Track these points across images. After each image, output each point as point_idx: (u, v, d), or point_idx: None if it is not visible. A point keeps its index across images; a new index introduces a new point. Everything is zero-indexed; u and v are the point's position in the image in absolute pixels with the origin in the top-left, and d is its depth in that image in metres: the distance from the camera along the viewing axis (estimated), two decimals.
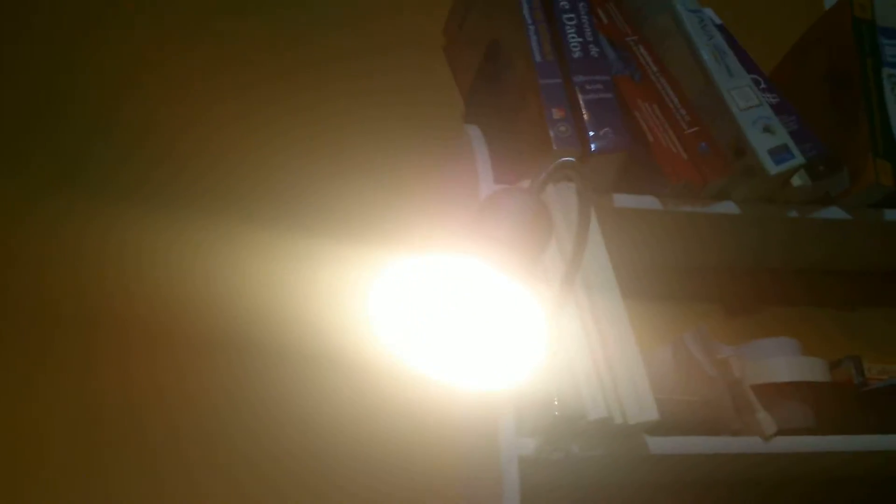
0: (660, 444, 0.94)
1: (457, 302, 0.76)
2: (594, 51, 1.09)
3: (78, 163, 1.18)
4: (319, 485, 1.08)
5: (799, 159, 1.05)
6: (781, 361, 1.03)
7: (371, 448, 1.10)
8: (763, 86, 1.12)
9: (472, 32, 1.24)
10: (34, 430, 1.05)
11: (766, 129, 1.07)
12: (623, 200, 1.08)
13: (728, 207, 1.10)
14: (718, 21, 1.18)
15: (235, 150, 1.22)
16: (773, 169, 1.05)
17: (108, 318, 1.11)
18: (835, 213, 1.12)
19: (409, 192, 1.22)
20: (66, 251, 1.13)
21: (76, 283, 1.12)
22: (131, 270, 1.14)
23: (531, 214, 0.76)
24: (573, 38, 1.08)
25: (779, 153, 1.06)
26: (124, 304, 1.12)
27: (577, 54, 1.08)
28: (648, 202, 1.09)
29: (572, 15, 1.10)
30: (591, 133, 1.04)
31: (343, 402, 1.10)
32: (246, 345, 1.11)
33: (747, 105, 1.08)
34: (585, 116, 1.05)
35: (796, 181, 1.09)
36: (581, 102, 1.06)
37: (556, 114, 1.05)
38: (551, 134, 1.04)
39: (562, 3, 1.10)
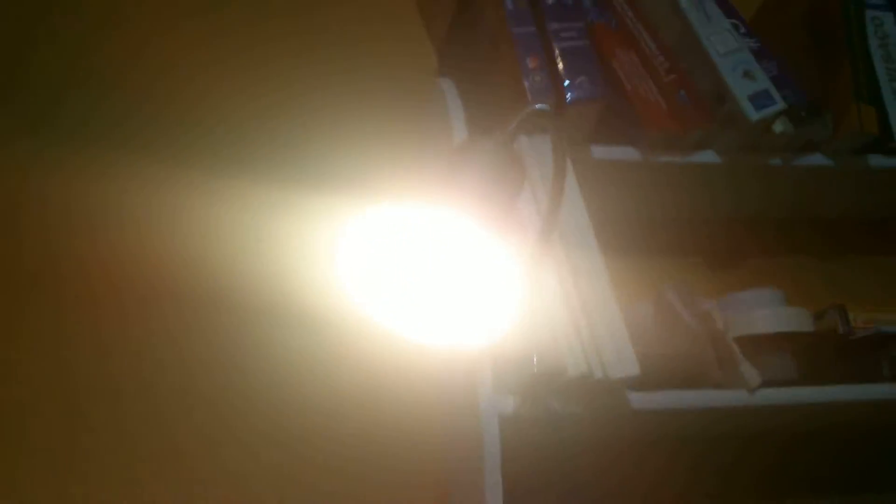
0: (642, 400, 0.92)
1: (430, 255, 0.73)
2: None
3: (50, 109, 1.15)
4: (292, 444, 1.05)
5: (780, 105, 1.03)
6: (764, 313, 1.01)
7: (344, 408, 1.07)
8: (742, 31, 1.09)
9: None
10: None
11: (747, 75, 1.04)
12: (601, 152, 1.05)
13: (708, 157, 1.07)
14: None
15: (208, 99, 1.18)
16: (753, 115, 1.02)
17: (76, 269, 1.08)
18: (818, 160, 1.10)
19: (382, 145, 1.18)
20: (33, 199, 1.10)
21: (43, 235, 1.09)
22: (99, 220, 1.10)
23: (500, 163, 0.72)
24: None
25: (759, 99, 1.03)
26: (93, 256, 1.09)
27: (550, 0, 1.04)
28: (627, 153, 1.06)
29: None
30: (567, 83, 1.01)
31: (313, 360, 1.08)
32: (215, 299, 1.08)
33: (727, 50, 1.05)
34: (560, 65, 1.01)
35: (778, 128, 1.06)
36: (556, 51, 1.02)
37: (531, 63, 1.02)
38: (525, 84, 1.00)
39: None
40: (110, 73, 1.17)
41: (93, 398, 1.04)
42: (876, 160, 1.11)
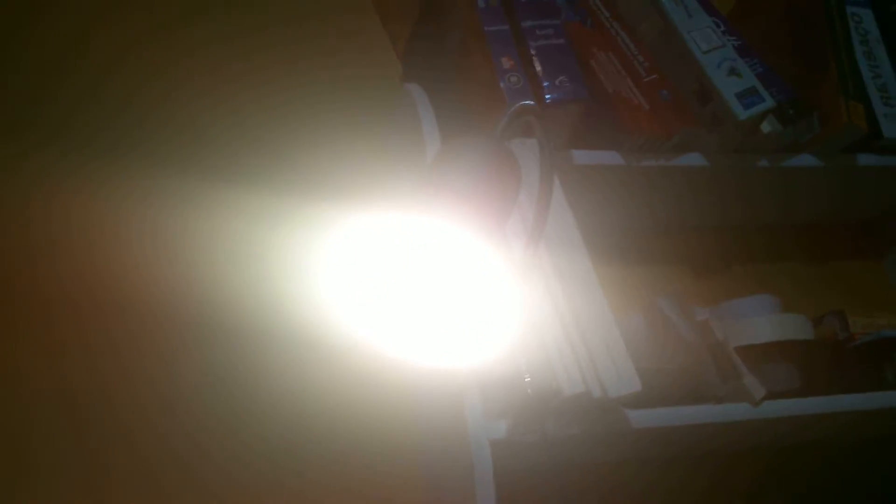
0: (642, 417, 0.85)
1: (414, 267, 0.66)
2: None
3: (29, 113, 1.09)
4: (280, 460, 0.97)
5: (768, 102, 0.98)
6: (763, 320, 0.95)
7: (333, 423, 0.99)
8: (722, 28, 1.04)
9: None
10: None
11: (732, 72, 0.99)
12: (582, 157, 0.99)
13: (694, 160, 1.02)
14: None
15: (193, 105, 1.13)
16: (742, 113, 0.97)
17: (56, 281, 1.01)
18: (807, 160, 1.05)
19: (359, 154, 1.11)
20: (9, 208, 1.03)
21: (22, 245, 1.02)
22: (78, 229, 1.04)
23: (497, 162, 0.65)
24: None
25: (747, 96, 0.98)
26: (73, 267, 1.02)
27: None
28: (610, 158, 1.00)
29: None
30: (546, 83, 0.95)
31: (294, 379, 1.00)
32: (194, 314, 1.01)
33: (710, 47, 1.00)
34: (538, 65, 0.96)
35: (765, 127, 1.02)
36: (532, 50, 0.96)
37: (506, 63, 0.96)
38: (502, 86, 0.94)
39: None
40: (95, 76, 1.12)
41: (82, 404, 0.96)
42: (865, 159, 1.07)
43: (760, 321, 0.95)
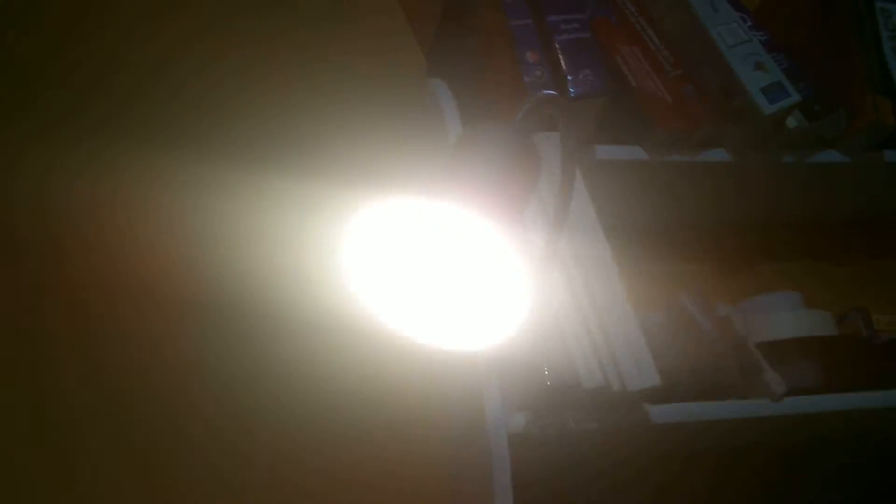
0: (663, 413, 0.85)
1: (433, 253, 0.66)
2: None
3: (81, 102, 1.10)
4: (292, 450, 0.98)
5: (795, 97, 0.97)
6: (785, 317, 0.95)
7: (348, 412, 1.00)
8: (749, 23, 1.04)
9: None
10: None
11: (758, 67, 0.98)
12: (606, 151, 0.99)
13: (718, 155, 1.02)
14: None
15: (211, 95, 1.14)
16: (767, 108, 0.96)
17: (111, 272, 1.03)
18: (833, 156, 1.04)
19: (380, 144, 1.12)
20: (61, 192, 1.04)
21: (71, 230, 1.03)
22: (125, 218, 1.05)
23: (517, 150, 0.66)
24: None
25: (773, 91, 0.97)
26: (113, 256, 1.04)
27: None
28: (633, 153, 1.00)
29: None
30: (570, 77, 0.95)
31: (312, 363, 1.01)
32: (214, 300, 1.02)
33: (736, 42, 1.00)
34: (562, 59, 0.96)
35: (791, 123, 1.01)
36: (556, 44, 0.96)
37: (530, 57, 0.96)
38: (526, 80, 0.94)
39: None
40: (149, 67, 1.13)
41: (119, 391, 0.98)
42: (892, 155, 1.06)
43: (783, 317, 0.95)
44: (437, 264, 0.66)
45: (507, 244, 0.65)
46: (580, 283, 0.85)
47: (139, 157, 1.08)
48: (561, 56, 0.96)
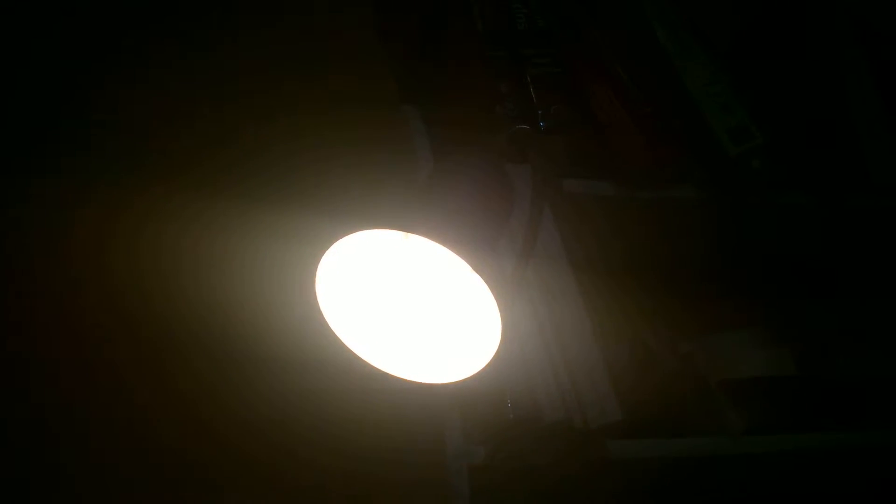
0: (623, 448, 0.85)
1: (401, 284, 0.66)
2: (541, 22, 1.00)
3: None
4: (254, 479, 0.98)
5: (759, 139, 0.99)
6: (747, 354, 0.96)
7: (304, 445, 0.99)
8: (719, 64, 1.05)
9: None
10: None
11: (725, 109, 1.00)
12: (575, 185, 1.00)
13: (686, 192, 1.03)
14: None
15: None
16: (732, 149, 0.98)
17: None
18: (796, 198, 1.06)
19: (346, 173, 1.12)
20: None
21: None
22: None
23: (489, 181, 0.66)
24: (518, 7, 1.00)
25: (738, 133, 0.99)
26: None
27: (521, 25, 0.99)
28: (602, 188, 1.00)
29: None
30: (541, 111, 0.96)
31: (271, 394, 1.00)
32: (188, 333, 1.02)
33: (705, 82, 1.01)
34: (533, 93, 0.97)
35: (756, 164, 1.02)
36: (528, 77, 0.97)
37: (503, 88, 0.96)
38: (497, 111, 0.95)
39: None
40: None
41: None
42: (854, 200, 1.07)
43: (745, 355, 0.96)
44: (406, 296, 0.67)
45: (477, 277, 0.65)
46: (545, 315, 0.85)
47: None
48: (532, 89, 0.96)
